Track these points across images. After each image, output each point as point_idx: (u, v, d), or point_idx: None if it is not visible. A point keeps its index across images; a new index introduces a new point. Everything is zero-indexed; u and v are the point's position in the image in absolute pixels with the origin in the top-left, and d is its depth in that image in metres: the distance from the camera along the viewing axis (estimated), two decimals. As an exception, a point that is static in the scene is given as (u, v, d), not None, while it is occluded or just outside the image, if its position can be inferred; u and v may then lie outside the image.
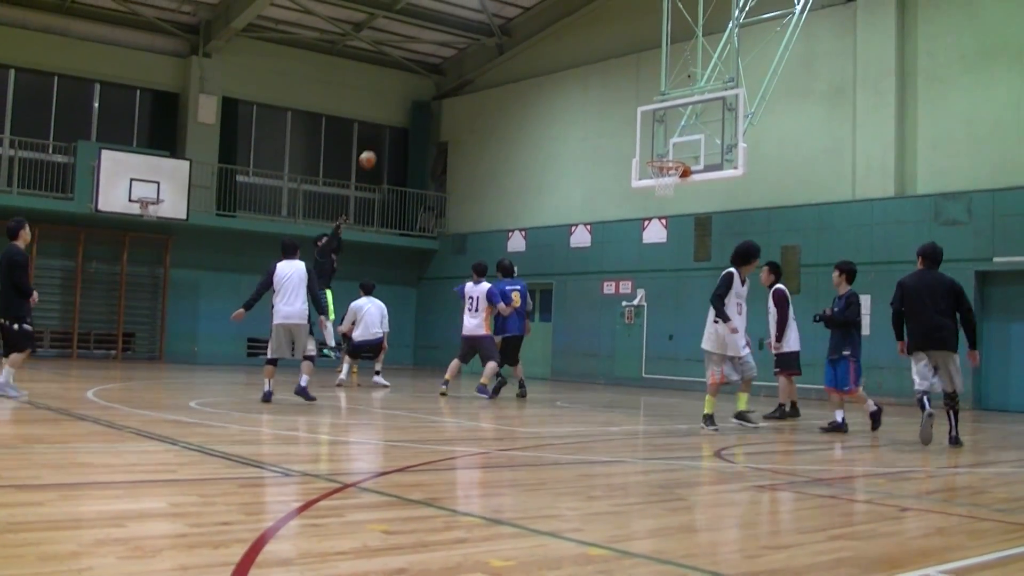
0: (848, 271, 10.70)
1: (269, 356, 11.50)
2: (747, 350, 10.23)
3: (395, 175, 27.57)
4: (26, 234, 10.54)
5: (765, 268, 12.32)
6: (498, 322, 13.96)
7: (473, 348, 14.02)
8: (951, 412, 9.17)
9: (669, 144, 15.74)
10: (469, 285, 14.01)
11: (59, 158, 22.25)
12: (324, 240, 16.46)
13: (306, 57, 25.82)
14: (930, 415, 8.99)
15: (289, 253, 11.48)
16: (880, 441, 9.76)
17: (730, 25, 15.72)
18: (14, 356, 10.35)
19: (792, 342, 12.09)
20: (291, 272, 11.30)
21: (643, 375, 20.77)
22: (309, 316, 11.38)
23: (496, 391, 14.26)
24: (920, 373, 9.21)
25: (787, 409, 12.17)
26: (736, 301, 9.91)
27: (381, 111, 27.08)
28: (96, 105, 23.69)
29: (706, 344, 9.98)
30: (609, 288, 21.94)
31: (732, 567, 3.85)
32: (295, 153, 26.40)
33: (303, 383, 11.28)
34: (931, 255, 9.46)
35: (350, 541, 3.93)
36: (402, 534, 4.17)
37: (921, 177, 17.42)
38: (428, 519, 4.54)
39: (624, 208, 21.53)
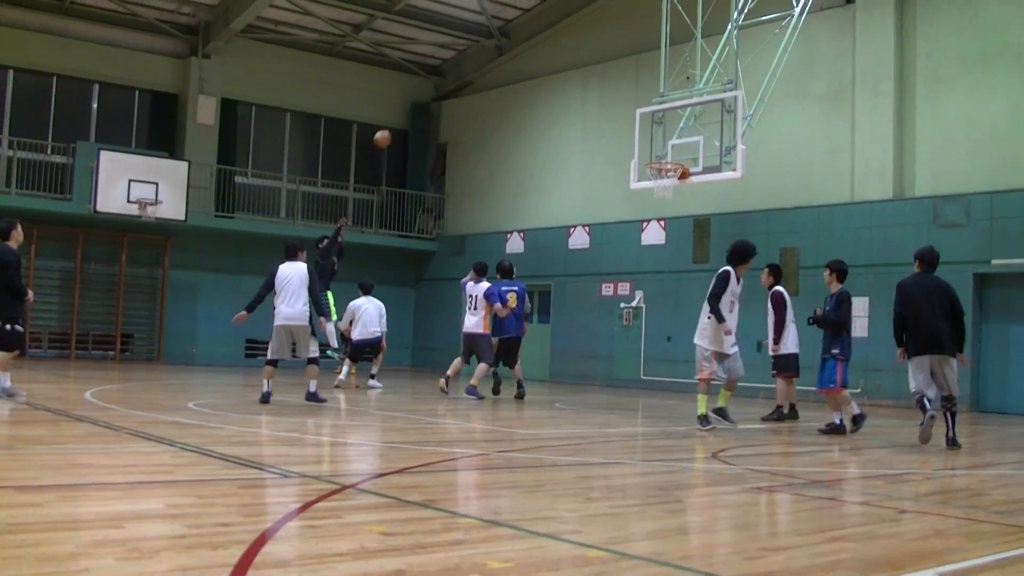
0: (839, 270, 10.75)
1: (269, 357, 11.51)
2: (735, 348, 10.27)
3: (394, 176, 27.56)
4: (18, 234, 10.49)
5: (765, 270, 12.43)
6: (496, 323, 14.02)
7: (470, 347, 14.08)
8: (948, 414, 9.18)
9: (668, 146, 15.72)
10: (470, 283, 14.15)
11: (58, 159, 22.25)
12: (325, 242, 16.49)
13: (305, 58, 25.83)
14: (932, 416, 9.04)
15: (291, 255, 11.50)
16: (870, 442, 9.76)
17: (729, 27, 15.70)
18: (0, 355, 10.29)
19: (790, 344, 12.09)
20: (292, 274, 11.32)
21: (641, 377, 20.76)
22: (311, 318, 11.38)
23: (495, 391, 14.33)
24: (918, 380, 9.22)
25: (785, 411, 12.16)
26: (730, 299, 10.01)
27: (380, 112, 27.07)
28: (95, 106, 23.67)
29: (698, 339, 10.10)
30: (608, 290, 21.94)
31: (730, 569, 3.85)
32: (294, 154, 26.39)
33: (311, 389, 11.36)
34: (928, 259, 9.48)
35: (348, 542, 3.93)
36: (400, 535, 4.16)
37: (920, 179, 17.43)
38: (426, 521, 4.53)
39: (623, 210, 21.53)
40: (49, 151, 22.41)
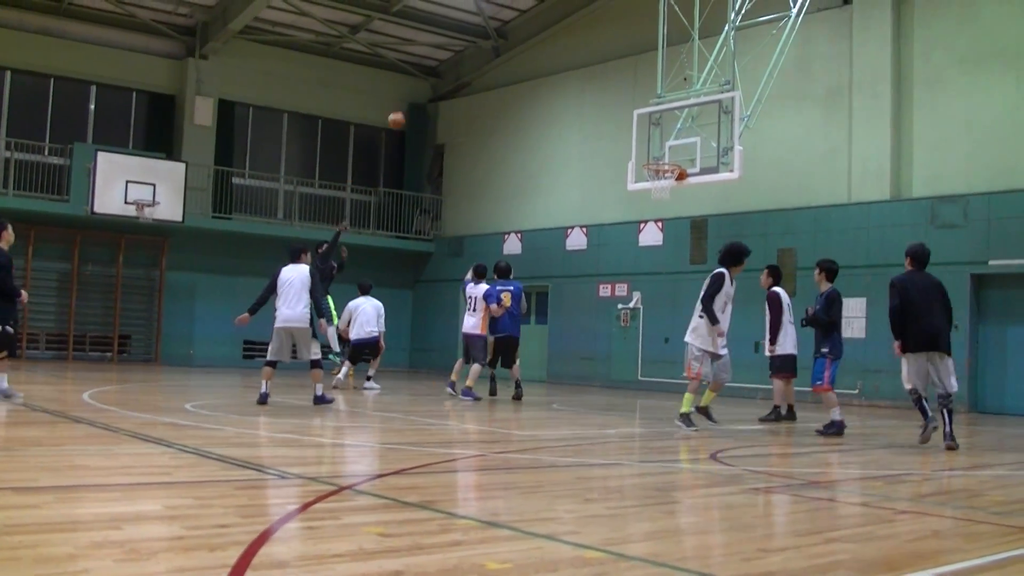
0: (828, 269, 10.77)
1: (268, 358, 11.51)
2: (726, 350, 10.30)
3: (391, 177, 27.55)
4: (9, 235, 10.45)
5: (765, 271, 12.53)
6: (491, 322, 14.10)
7: (467, 347, 14.19)
8: (945, 411, 9.18)
9: (665, 147, 15.71)
10: (470, 284, 14.26)
11: (55, 160, 22.22)
12: (325, 247, 16.50)
13: (302, 59, 25.81)
14: (934, 427, 9.12)
15: (295, 257, 11.53)
16: (868, 443, 9.76)
17: (726, 28, 15.70)
18: None
19: (788, 345, 12.11)
20: (294, 276, 11.34)
21: (639, 378, 20.76)
22: (312, 320, 11.40)
23: (492, 391, 14.36)
24: (913, 378, 9.23)
25: (783, 412, 12.17)
26: (723, 300, 10.06)
27: (377, 113, 26.89)
28: (92, 107, 23.64)
29: (690, 338, 10.16)
30: (605, 291, 21.94)
31: (728, 570, 3.85)
32: (291, 155, 26.37)
33: (318, 392, 11.38)
34: (920, 256, 9.51)
35: (346, 544, 3.92)
36: (398, 537, 4.15)
37: (917, 180, 17.44)
38: (424, 522, 4.52)
39: (620, 211, 21.53)
40: (46, 152, 22.37)
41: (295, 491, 5.41)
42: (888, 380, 16.09)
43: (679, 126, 15.85)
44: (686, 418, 10.09)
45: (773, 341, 12.07)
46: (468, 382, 13.75)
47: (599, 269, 22.08)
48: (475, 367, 13.85)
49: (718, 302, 9.99)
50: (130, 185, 21.08)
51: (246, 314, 11.34)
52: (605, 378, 21.41)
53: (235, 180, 24.66)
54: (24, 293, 10.58)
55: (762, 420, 12.06)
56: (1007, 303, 16.33)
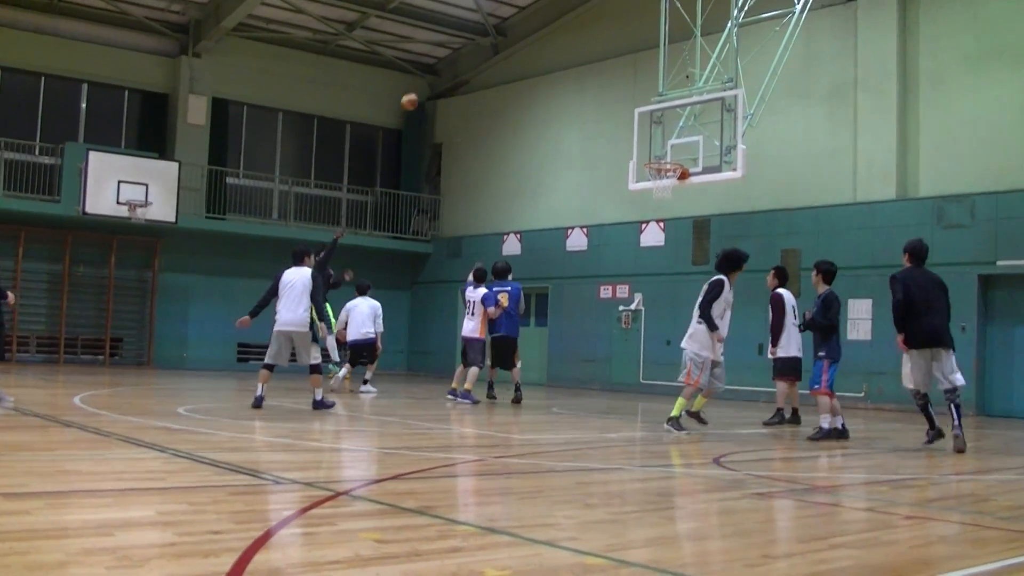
0: (826, 271, 10.67)
1: (266, 361, 11.42)
2: (722, 357, 10.31)
3: (388, 177, 27.37)
4: None
5: (771, 272, 12.49)
6: (489, 323, 14.06)
7: (464, 350, 14.18)
8: (953, 406, 9.10)
9: (667, 146, 15.58)
10: (469, 288, 14.18)
11: (46, 159, 21.99)
12: (322, 254, 16.31)
13: (298, 57, 25.63)
14: (940, 434, 9.17)
15: (297, 260, 11.50)
16: (873, 447, 9.60)
17: (729, 25, 15.55)
18: None
19: (792, 348, 12.02)
20: (295, 279, 11.30)
21: (641, 380, 20.57)
22: (312, 324, 11.25)
23: (490, 394, 14.26)
24: (915, 376, 9.21)
25: (786, 415, 12.05)
26: (723, 306, 10.10)
27: (374, 112, 26.87)
28: (84, 106, 23.44)
29: (687, 343, 10.14)
30: (606, 292, 21.76)
31: (730, 576, 3.81)
32: (286, 155, 26.19)
33: (317, 397, 11.29)
34: (920, 252, 9.52)
35: (342, 550, 3.91)
36: (395, 543, 4.12)
37: (923, 179, 17.29)
38: (422, 528, 4.49)
39: (621, 211, 21.35)
40: (37, 152, 22.16)
41: (290, 496, 5.40)
42: (894, 383, 15.76)
43: (681, 124, 15.73)
44: (675, 422, 10.05)
45: (775, 343, 12.02)
46: (467, 385, 13.74)
47: (600, 270, 21.90)
48: (473, 370, 13.82)
49: (717, 308, 10.01)
50: (122, 185, 20.87)
51: (247, 317, 11.34)
52: (606, 381, 21.22)
53: (229, 180, 24.46)
54: (11, 294, 10.47)
55: (766, 423, 11.95)
56: (1015, 304, 16.16)
